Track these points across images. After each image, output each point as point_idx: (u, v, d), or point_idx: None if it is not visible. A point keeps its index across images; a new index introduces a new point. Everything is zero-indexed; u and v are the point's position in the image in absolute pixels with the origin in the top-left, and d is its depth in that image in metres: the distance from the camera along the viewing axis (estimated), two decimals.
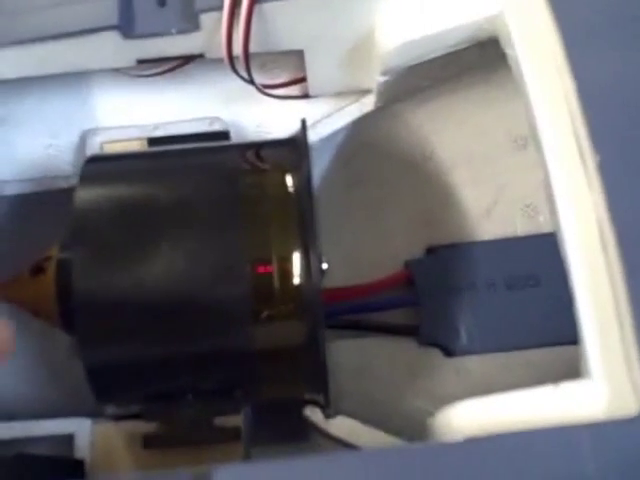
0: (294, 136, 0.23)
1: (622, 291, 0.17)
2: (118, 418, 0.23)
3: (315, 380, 0.22)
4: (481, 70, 0.27)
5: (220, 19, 0.23)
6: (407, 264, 0.28)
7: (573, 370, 0.18)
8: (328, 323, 0.27)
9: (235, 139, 0.27)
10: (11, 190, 0.28)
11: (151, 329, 0.22)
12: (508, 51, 0.22)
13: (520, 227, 0.28)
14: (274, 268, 0.21)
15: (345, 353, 0.27)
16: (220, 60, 0.25)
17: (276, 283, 0.21)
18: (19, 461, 0.21)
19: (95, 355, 0.22)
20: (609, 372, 0.17)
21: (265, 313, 0.21)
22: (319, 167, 0.28)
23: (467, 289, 0.27)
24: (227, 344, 0.22)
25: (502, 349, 0.26)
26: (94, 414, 0.24)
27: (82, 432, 0.23)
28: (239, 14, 0.23)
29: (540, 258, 0.27)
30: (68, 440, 0.23)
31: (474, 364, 0.27)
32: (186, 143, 0.27)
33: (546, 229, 0.27)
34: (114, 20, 0.24)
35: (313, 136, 0.27)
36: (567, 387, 0.18)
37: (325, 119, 0.27)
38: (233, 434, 0.22)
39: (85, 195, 0.22)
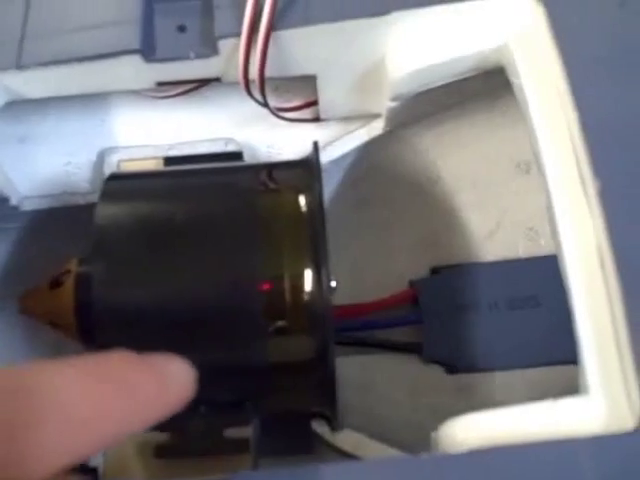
0: (307, 158, 0.24)
1: (619, 312, 0.18)
2: None
3: (323, 394, 0.22)
4: (485, 97, 0.28)
5: (238, 45, 0.24)
6: (412, 283, 0.29)
7: (572, 389, 0.19)
8: (334, 339, 0.28)
9: (248, 159, 0.28)
10: (30, 205, 0.28)
11: (167, 342, 0.22)
12: (513, 80, 0.23)
13: (522, 249, 0.29)
14: (286, 285, 0.22)
15: (350, 369, 0.28)
16: (234, 83, 0.26)
17: (288, 299, 0.22)
18: None
19: None
20: (607, 388, 0.18)
21: (277, 328, 0.22)
22: (328, 188, 0.29)
23: (470, 309, 0.28)
24: (240, 358, 0.23)
25: (503, 367, 0.27)
26: None
27: None
28: (256, 41, 0.24)
29: (541, 280, 0.27)
30: None
31: (476, 381, 0.27)
32: (201, 163, 0.28)
33: (547, 252, 0.28)
34: (136, 45, 0.25)
35: (323, 158, 0.27)
36: (566, 403, 0.18)
37: (335, 142, 0.28)
38: (242, 445, 0.23)
39: (106, 211, 0.23)
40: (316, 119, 0.29)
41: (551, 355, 0.27)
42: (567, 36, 0.22)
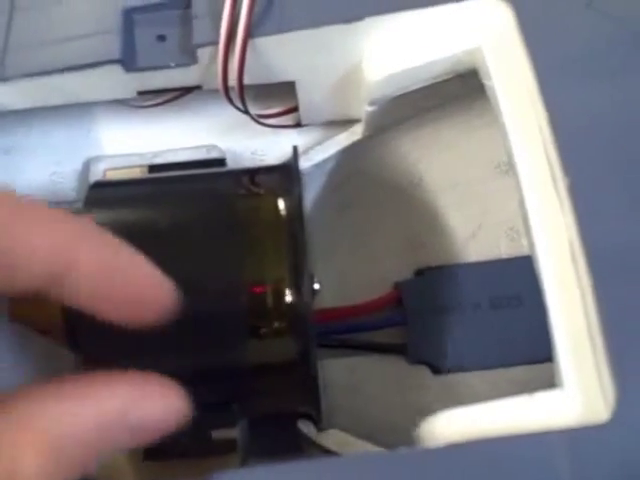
0: (286, 162, 0.25)
1: (591, 305, 0.18)
2: None
3: (307, 394, 0.23)
4: (464, 100, 0.29)
5: (216, 53, 0.25)
6: (396, 285, 0.29)
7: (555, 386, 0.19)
8: (320, 342, 0.28)
9: (231, 165, 0.29)
10: None
11: (152, 347, 0.23)
12: (486, 82, 0.23)
13: (504, 249, 0.29)
14: (267, 288, 0.22)
15: (337, 371, 0.28)
16: (217, 91, 0.26)
17: (269, 302, 0.22)
18: None
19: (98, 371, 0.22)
20: (581, 381, 0.18)
21: (260, 331, 0.22)
22: (311, 192, 0.29)
23: (454, 309, 0.28)
24: (224, 360, 0.23)
25: (487, 366, 0.28)
26: None
27: None
28: (234, 48, 0.24)
29: (522, 279, 0.28)
30: None
31: (461, 381, 0.28)
32: (185, 170, 0.28)
33: (528, 251, 0.28)
34: (116, 54, 0.25)
35: (305, 163, 0.28)
36: (542, 396, 0.19)
37: (316, 147, 0.28)
38: (229, 446, 0.23)
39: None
40: (297, 125, 0.29)
41: (535, 353, 0.27)
42: (536, 37, 0.22)
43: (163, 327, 0.22)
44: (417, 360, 0.28)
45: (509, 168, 0.29)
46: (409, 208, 0.30)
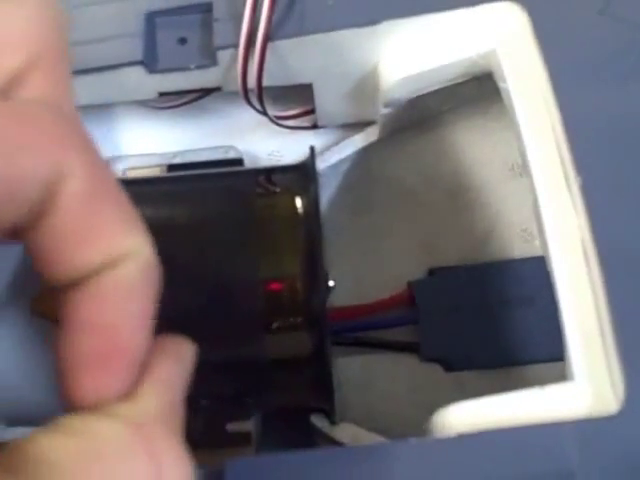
0: (303, 161, 0.25)
1: (603, 301, 0.19)
2: None
3: (321, 388, 0.23)
4: (479, 103, 0.29)
5: (236, 55, 0.25)
6: (409, 285, 0.30)
7: None
8: (335, 340, 0.29)
9: (248, 166, 0.29)
10: None
11: None
12: (500, 84, 0.24)
13: (517, 251, 0.30)
14: (283, 284, 0.23)
15: (350, 368, 0.29)
16: (235, 93, 0.27)
17: (285, 298, 0.23)
18: None
19: None
20: (591, 374, 0.19)
21: (276, 326, 0.23)
22: (326, 193, 0.30)
23: (466, 308, 0.29)
24: (241, 355, 0.23)
25: (499, 365, 0.28)
26: None
27: None
28: (253, 51, 0.25)
29: (535, 279, 0.28)
30: None
31: (473, 379, 0.28)
32: (203, 169, 0.29)
33: (541, 252, 0.29)
34: (139, 56, 0.26)
35: (321, 164, 0.28)
36: (553, 389, 0.19)
37: (333, 148, 0.29)
38: (244, 439, 0.24)
39: None
40: (314, 126, 0.30)
41: (546, 352, 0.27)
42: (550, 41, 0.23)
43: (181, 321, 0.23)
44: (429, 358, 0.28)
45: (523, 171, 0.30)
46: (423, 209, 0.30)
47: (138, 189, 0.26)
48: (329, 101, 0.28)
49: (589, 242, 0.20)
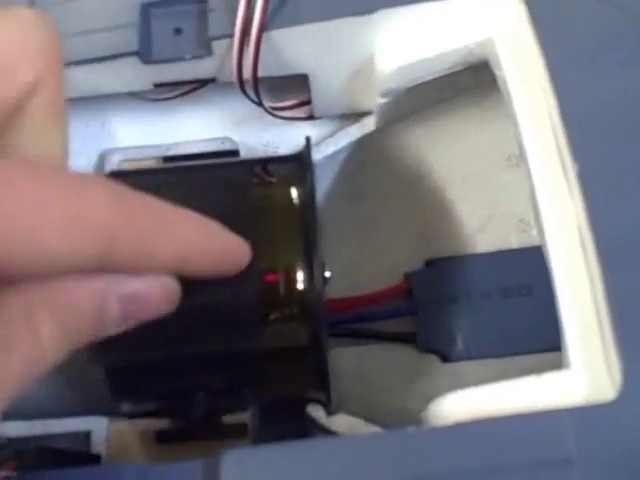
0: (299, 152, 0.25)
1: (600, 289, 0.19)
2: (132, 416, 0.25)
3: (317, 379, 0.23)
4: (476, 92, 0.29)
5: (231, 46, 0.25)
6: (406, 276, 0.29)
7: None
8: (332, 332, 0.29)
9: (244, 157, 0.29)
10: None
11: (167, 333, 0.23)
12: (497, 72, 0.24)
13: (514, 240, 0.30)
14: (280, 275, 0.23)
15: (347, 359, 0.29)
16: (231, 84, 0.27)
17: (282, 289, 0.23)
18: (40, 453, 0.23)
19: (113, 357, 0.23)
20: (588, 361, 0.19)
21: (272, 317, 0.23)
22: (323, 184, 0.30)
23: (463, 299, 0.29)
24: (237, 346, 0.23)
25: (497, 355, 0.28)
26: (110, 413, 0.25)
27: (99, 429, 0.25)
28: (249, 41, 0.25)
29: (532, 268, 0.28)
30: (85, 437, 0.25)
31: (470, 369, 0.28)
32: (198, 161, 0.28)
33: (539, 242, 0.29)
34: (134, 47, 0.26)
35: (317, 154, 0.28)
36: (549, 377, 0.19)
37: (329, 138, 0.29)
38: (241, 430, 0.24)
39: None
40: (311, 117, 0.29)
41: (544, 342, 0.27)
42: (547, 28, 0.22)
43: (178, 313, 0.23)
44: (426, 348, 0.28)
45: (520, 161, 0.30)
46: (420, 200, 0.30)
47: (134, 180, 0.26)
48: (325, 91, 0.28)
49: (586, 230, 0.19)
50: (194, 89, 0.28)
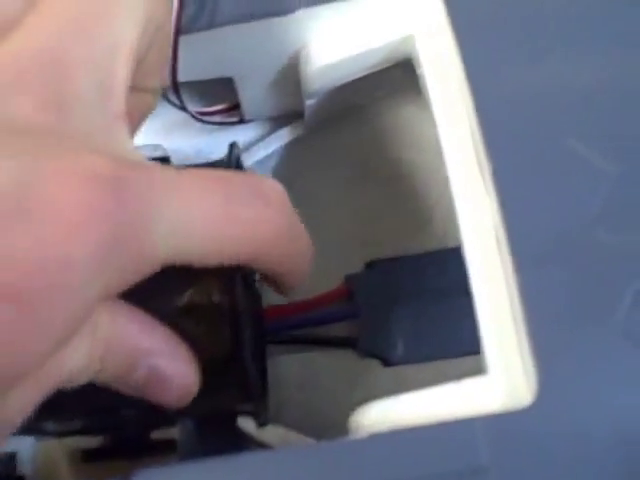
0: (221, 160, 0.25)
1: (515, 291, 0.18)
2: (61, 435, 0.24)
3: (243, 390, 0.22)
4: (410, 89, 0.29)
5: None
6: (347, 278, 0.29)
7: None
8: (272, 339, 0.28)
9: (177, 164, 0.28)
10: None
11: None
12: (418, 71, 0.23)
13: (451, 240, 0.29)
14: (199, 286, 0.22)
15: (288, 367, 0.28)
16: None
17: (202, 301, 0.22)
18: None
19: None
20: (505, 367, 0.18)
21: (192, 331, 0.22)
22: None
23: (403, 301, 0.28)
24: None
25: (437, 357, 0.27)
26: (35, 433, 0.24)
27: (25, 450, 0.24)
28: None
29: None
30: (10, 459, 0.24)
31: (412, 373, 0.27)
32: None
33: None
34: None
35: (248, 159, 0.28)
36: (468, 383, 0.18)
37: (259, 143, 0.28)
38: (169, 446, 0.23)
39: None
40: (241, 121, 0.29)
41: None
42: (465, 25, 0.22)
43: None
44: (367, 353, 0.28)
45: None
46: (357, 201, 0.30)
47: None
48: (252, 94, 0.27)
49: (501, 230, 0.19)
50: None
